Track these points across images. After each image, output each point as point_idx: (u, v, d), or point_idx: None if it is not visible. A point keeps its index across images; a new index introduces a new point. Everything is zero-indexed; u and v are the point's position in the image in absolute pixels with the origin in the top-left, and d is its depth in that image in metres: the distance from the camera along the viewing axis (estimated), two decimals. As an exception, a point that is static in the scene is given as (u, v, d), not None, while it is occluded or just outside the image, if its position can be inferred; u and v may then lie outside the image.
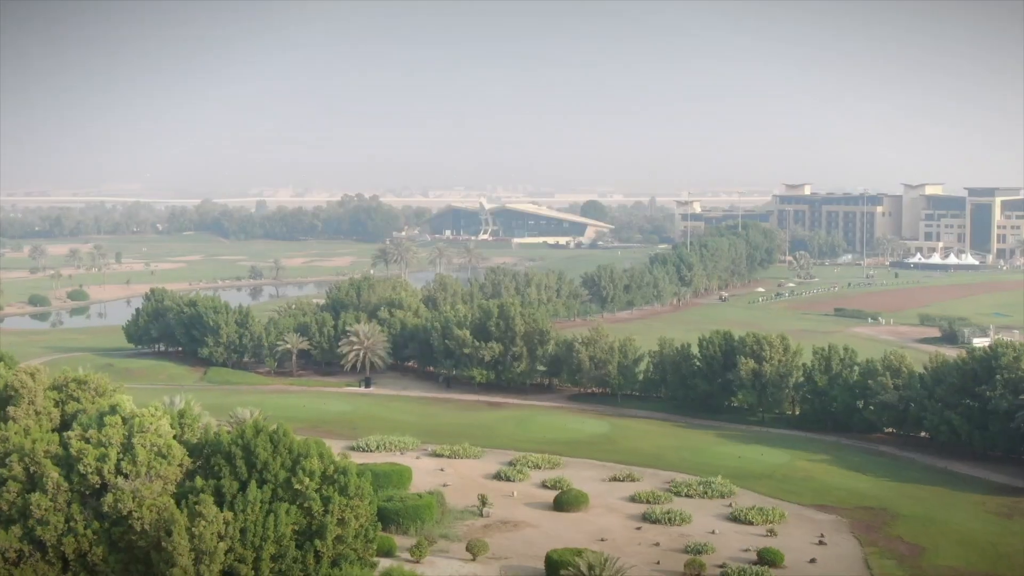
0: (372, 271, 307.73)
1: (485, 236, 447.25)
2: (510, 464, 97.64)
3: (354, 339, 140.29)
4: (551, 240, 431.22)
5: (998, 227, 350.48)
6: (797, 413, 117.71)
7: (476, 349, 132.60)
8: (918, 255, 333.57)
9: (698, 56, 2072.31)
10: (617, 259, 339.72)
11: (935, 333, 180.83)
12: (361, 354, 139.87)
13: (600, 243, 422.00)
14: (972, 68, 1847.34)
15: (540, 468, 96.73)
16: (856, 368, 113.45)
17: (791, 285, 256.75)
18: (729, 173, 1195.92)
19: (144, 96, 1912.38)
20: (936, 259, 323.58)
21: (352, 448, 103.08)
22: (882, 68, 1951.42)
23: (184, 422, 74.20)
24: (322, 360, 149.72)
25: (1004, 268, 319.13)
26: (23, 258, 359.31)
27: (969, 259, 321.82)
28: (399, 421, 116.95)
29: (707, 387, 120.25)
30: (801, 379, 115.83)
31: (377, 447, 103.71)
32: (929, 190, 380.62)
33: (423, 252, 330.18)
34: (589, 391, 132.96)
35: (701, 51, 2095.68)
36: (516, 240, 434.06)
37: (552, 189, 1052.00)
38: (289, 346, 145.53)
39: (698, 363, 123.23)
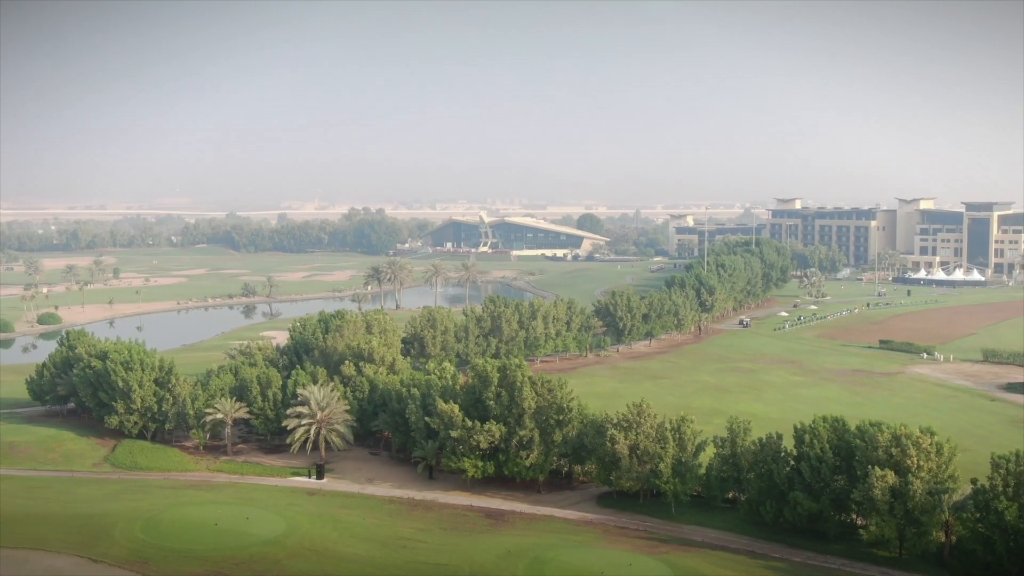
0: (367, 288, 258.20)
1: (485, 249, 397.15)
2: None
3: (303, 410, 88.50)
4: (548, 252, 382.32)
5: (995, 241, 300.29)
6: (953, 542, 66.38)
7: (469, 432, 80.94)
8: (923, 271, 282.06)
9: (675, 74, 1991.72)
10: (618, 273, 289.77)
11: (1016, 375, 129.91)
12: (313, 430, 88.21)
13: (597, 255, 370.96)
14: (962, 77, 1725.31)
15: None
16: (1060, 488, 62.16)
17: (813, 308, 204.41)
18: (696, 188, 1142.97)
19: (201, 115, 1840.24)
20: (940, 274, 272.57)
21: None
22: (858, 81, 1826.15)
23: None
24: (267, 431, 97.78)
25: (1009, 284, 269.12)
26: (21, 273, 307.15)
27: (976, 275, 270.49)
28: (349, 558, 65.91)
29: (812, 505, 68.77)
30: (963, 498, 64.77)
31: (299, 637, 52.89)
32: (923, 204, 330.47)
33: (419, 267, 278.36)
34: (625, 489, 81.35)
35: (675, 67, 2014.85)
36: (515, 253, 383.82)
37: (545, 201, 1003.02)
38: (221, 415, 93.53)
39: (793, 463, 71.97)
